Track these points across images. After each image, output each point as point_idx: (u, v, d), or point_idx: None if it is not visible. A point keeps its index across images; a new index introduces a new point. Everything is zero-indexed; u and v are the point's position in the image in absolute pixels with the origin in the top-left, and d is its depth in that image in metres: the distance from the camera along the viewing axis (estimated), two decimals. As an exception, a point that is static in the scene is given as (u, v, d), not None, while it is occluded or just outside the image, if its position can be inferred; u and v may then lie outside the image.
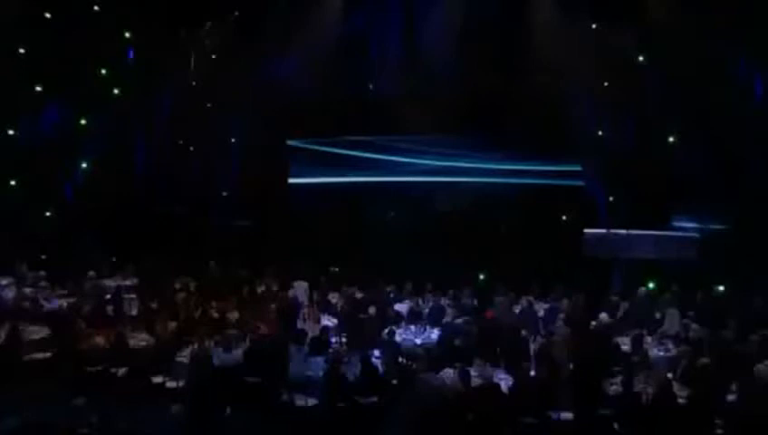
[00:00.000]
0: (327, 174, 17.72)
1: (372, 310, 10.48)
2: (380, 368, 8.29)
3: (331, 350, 8.91)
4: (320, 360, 8.42)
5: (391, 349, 8.71)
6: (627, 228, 14.18)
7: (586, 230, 14.62)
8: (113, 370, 8.80)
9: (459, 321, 9.95)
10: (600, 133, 14.57)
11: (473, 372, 7.62)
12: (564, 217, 15.71)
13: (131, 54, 16.11)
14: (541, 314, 10.63)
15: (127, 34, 15.83)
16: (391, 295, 11.94)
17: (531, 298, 11.21)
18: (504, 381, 7.63)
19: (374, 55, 16.58)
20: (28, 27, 14.19)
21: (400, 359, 8.50)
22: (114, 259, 14.56)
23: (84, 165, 15.46)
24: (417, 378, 7.56)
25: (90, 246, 14.31)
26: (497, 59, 14.96)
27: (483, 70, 15.64)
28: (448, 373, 7.71)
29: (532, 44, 14.46)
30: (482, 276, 13.50)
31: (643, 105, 13.70)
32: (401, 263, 14.57)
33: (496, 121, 15.55)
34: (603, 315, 9.41)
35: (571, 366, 7.78)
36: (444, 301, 11.30)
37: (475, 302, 11.35)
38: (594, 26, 13.97)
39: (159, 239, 15.48)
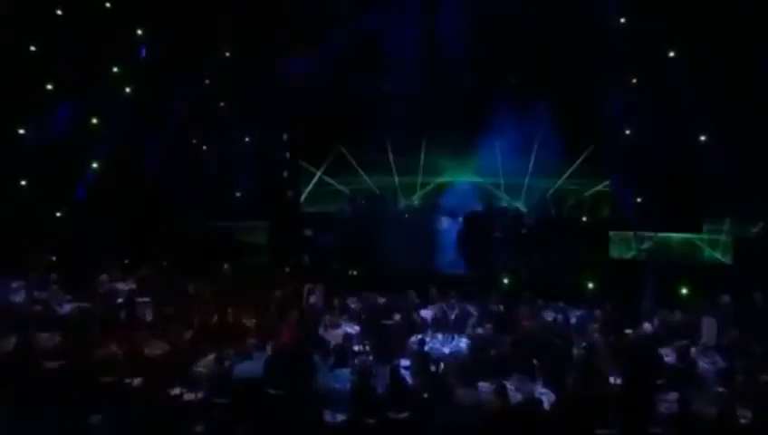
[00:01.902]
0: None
1: (398, 317, 10.03)
2: (409, 380, 7.84)
3: (356, 360, 8.43)
4: (345, 371, 7.96)
5: (421, 359, 8.23)
6: (655, 230, 13.75)
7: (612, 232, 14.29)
8: (128, 380, 8.38)
9: (487, 329, 9.47)
10: (627, 132, 14.04)
11: (510, 386, 7.17)
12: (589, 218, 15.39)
13: (143, 52, 15.73)
14: (572, 320, 10.12)
15: (139, 32, 15.46)
16: (411, 301, 11.45)
17: (561, 304, 10.71)
18: (545, 396, 7.15)
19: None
20: (39, 25, 13.90)
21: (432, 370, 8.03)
22: (127, 262, 14.20)
23: (96, 165, 15.07)
24: (451, 392, 7.10)
25: (101, 249, 13.93)
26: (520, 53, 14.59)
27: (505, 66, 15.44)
28: (484, 387, 7.25)
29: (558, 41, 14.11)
30: (506, 280, 12.96)
31: (673, 102, 13.18)
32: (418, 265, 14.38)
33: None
34: (647, 325, 8.85)
35: (616, 380, 7.29)
36: (470, 307, 10.83)
37: (502, 308, 10.85)
38: (623, 20, 13.43)
39: (172, 241, 15.26)
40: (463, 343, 9.30)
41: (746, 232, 13.10)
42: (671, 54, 13.18)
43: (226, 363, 8.25)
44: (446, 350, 9.10)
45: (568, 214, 16.63)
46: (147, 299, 11.61)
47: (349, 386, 7.47)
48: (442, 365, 8.01)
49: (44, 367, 8.71)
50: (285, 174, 18.88)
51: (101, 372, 8.51)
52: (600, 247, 14.23)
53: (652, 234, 13.76)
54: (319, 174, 19.72)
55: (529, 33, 14.60)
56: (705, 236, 13.53)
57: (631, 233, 13.97)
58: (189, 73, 15.43)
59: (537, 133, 16.44)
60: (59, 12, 14.35)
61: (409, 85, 16.57)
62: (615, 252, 14.12)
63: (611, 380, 7.37)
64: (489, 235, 15.93)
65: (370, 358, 8.61)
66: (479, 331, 9.57)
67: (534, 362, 7.83)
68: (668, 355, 8.21)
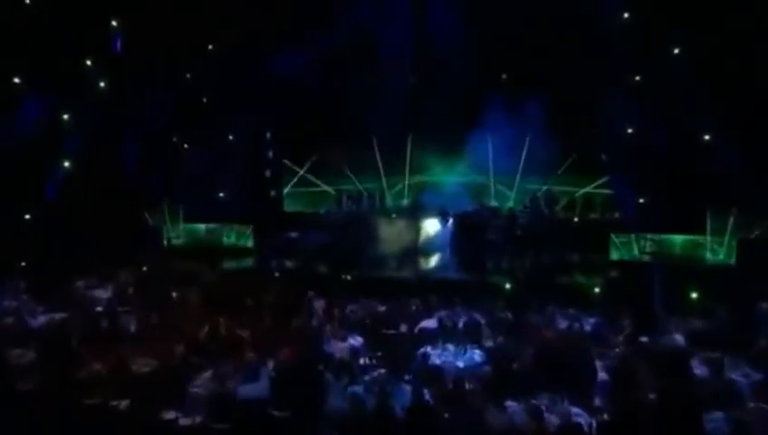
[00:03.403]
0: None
1: (404, 327, 9.39)
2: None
3: (366, 376, 7.76)
4: (358, 389, 7.28)
5: (436, 375, 7.60)
6: (658, 232, 13.39)
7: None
8: (114, 402, 7.57)
9: (502, 339, 8.90)
10: (629, 131, 13.62)
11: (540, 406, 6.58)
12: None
13: (119, 44, 14.77)
14: (587, 328, 9.58)
15: (114, 23, 14.52)
16: (414, 308, 10.84)
17: (573, 311, 10.18)
18: (582, 418, 6.56)
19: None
20: (5, 14, 12.90)
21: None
22: (103, 267, 13.31)
23: (67, 163, 14.11)
24: (477, 413, 6.48)
25: (75, 253, 13.01)
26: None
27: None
28: (513, 408, 6.65)
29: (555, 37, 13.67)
30: (508, 285, 12.43)
31: (677, 101, 12.80)
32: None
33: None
34: (678, 336, 8.33)
35: (654, 397, 6.73)
36: (477, 315, 10.24)
37: (510, 315, 10.29)
38: (626, 15, 13.01)
39: (152, 245, 14.44)
40: (477, 355, 8.68)
41: (750, 232, 12.73)
42: (675, 52, 12.74)
43: (225, 382, 7.52)
44: (460, 363, 8.46)
45: (560, 214, 16.32)
46: (127, 308, 10.85)
47: (362, 406, 6.75)
48: (468, 384, 7.34)
49: (17, 388, 7.87)
50: (268, 173, 18.19)
51: (83, 394, 7.71)
52: (601, 249, 13.82)
53: (654, 235, 13.39)
54: (301, 172, 19.09)
55: (523, 29, 14.11)
56: (707, 238, 13.16)
57: (633, 234, 13.55)
58: (169, 68, 14.58)
59: (529, 132, 16.10)
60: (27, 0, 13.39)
61: (397, 83, 16.12)
62: (616, 254, 13.68)
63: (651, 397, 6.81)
64: (483, 236, 15.42)
65: (382, 373, 7.90)
66: (491, 342, 9.01)
67: (560, 377, 7.23)
68: (697, 367, 7.72)
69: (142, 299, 11.15)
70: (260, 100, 15.87)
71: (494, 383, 7.18)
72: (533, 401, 6.57)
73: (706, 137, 12.85)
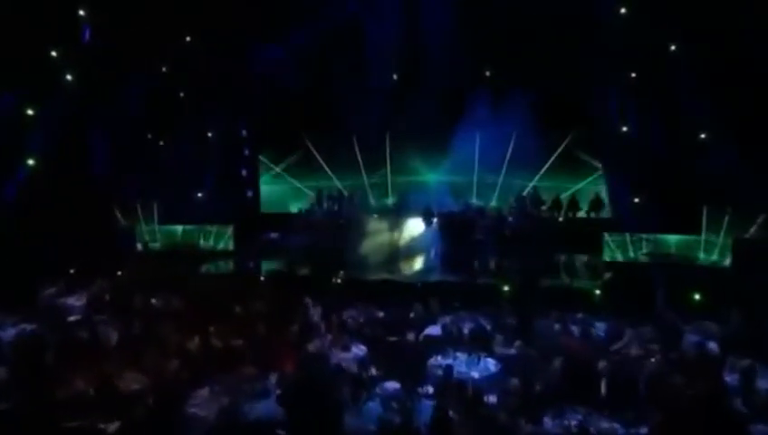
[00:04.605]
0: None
1: (408, 335, 8.85)
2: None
3: (378, 391, 7.16)
4: (374, 406, 6.70)
5: (457, 389, 7.07)
6: (653, 232, 13.18)
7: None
8: (101, 425, 6.82)
9: (517, 347, 8.42)
10: (624, 129, 13.36)
11: (573, 422, 6.13)
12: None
13: (87, 34, 13.79)
14: (600, 334, 9.19)
15: (81, 12, 13.55)
16: (414, 314, 10.29)
17: (581, 316, 9.78)
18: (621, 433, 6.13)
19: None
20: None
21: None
22: (72, 272, 12.41)
23: (31, 161, 13.11)
24: (512, 432, 5.98)
25: (40, 258, 12.08)
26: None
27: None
28: (551, 426, 6.17)
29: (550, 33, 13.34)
30: (506, 287, 12.01)
31: (673, 98, 12.59)
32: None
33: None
34: (712, 345, 7.93)
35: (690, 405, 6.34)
36: (482, 320, 9.77)
37: (514, 320, 9.82)
38: (623, 11, 12.73)
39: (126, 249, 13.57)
40: (491, 364, 8.20)
41: (745, 232, 12.59)
42: (672, 49, 12.52)
43: (224, 400, 6.85)
44: (475, 374, 7.96)
45: (546, 213, 16.04)
46: (104, 317, 10.02)
47: (389, 428, 6.17)
48: (492, 398, 6.84)
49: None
50: (244, 172, 17.49)
51: (65, 415, 6.91)
52: (594, 250, 13.55)
53: (649, 235, 13.19)
54: (277, 170, 18.46)
55: (514, 24, 13.77)
56: (702, 238, 13.00)
57: (627, 234, 13.30)
58: (143, 59, 13.72)
59: (515, 130, 15.82)
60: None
61: (379, 79, 15.64)
62: (611, 254, 13.42)
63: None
64: (471, 236, 15.05)
65: (396, 387, 7.33)
66: (504, 349, 8.53)
67: (594, 390, 6.79)
68: (727, 376, 7.37)
69: (120, 307, 10.31)
70: (238, 95, 15.21)
71: (520, 397, 6.65)
72: (580, 421, 6.10)
73: (702, 136, 12.64)
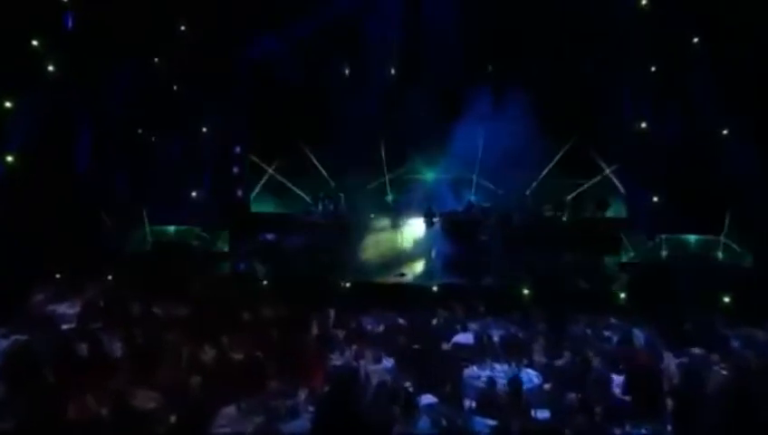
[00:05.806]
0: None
1: (446, 345, 8.16)
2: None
3: (422, 405, 6.43)
4: (423, 424, 5.99)
5: (506, 403, 6.41)
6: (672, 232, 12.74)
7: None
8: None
9: (565, 357, 7.79)
10: (643, 125, 12.89)
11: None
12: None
13: (70, 22, 12.87)
14: (640, 341, 8.58)
15: (63, -4, 12.73)
16: (437, 321, 9.62)
17: (614, 321, 9.23)
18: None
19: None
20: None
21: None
22: (59, 277, 11.48)
23: (10, 158, 12.13)
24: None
25: (23, 262, 11.13)
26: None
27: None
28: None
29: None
30: (526, 291, 11.41)
31: (693, 93, 12.16)
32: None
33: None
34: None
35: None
36: (513, 328, 9.15)
37: (546, 326, 9.21)
38: (644, 2, 12.27)
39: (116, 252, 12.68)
40: (534, 376, 7.56)
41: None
42: (694, 41, 12.09)
43: (256, 420, 6.08)
44: (518, 387, 7.28)
45: (550, 213, 15.54)
46: (99, 325, 9.14)
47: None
48: (542, 414, 6.19)
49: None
50: (235, 170, 16.64)
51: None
52: (612, 251, 13.06)
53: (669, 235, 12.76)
54: (270, 171, 17.62)
55: (524, 20, 13.29)
56: (722, 238, 12.60)
57: (645, 235, 12.84)
58: (133, 50, 12.84)
59: (518, 128, 15.27)
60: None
61: (377, 76, 15.00)
62: (629, 255, 12.93)
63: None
64: (475, 238, 14.47)
65: (437, 402, 6.63)
66: (546, 359, 7.91)
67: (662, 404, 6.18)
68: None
69: (118, 315, 9.43)
70: (232, 89, 14.43)
71: (584, 413, 5.99)
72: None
73: (725, 132, 12.23)
